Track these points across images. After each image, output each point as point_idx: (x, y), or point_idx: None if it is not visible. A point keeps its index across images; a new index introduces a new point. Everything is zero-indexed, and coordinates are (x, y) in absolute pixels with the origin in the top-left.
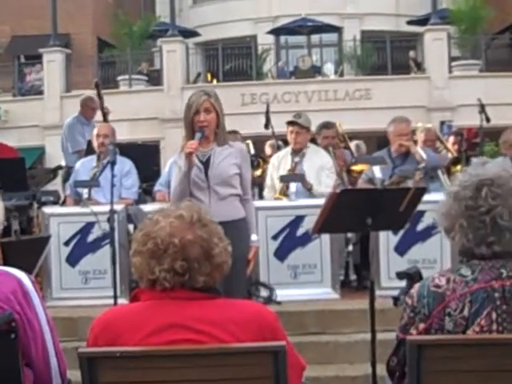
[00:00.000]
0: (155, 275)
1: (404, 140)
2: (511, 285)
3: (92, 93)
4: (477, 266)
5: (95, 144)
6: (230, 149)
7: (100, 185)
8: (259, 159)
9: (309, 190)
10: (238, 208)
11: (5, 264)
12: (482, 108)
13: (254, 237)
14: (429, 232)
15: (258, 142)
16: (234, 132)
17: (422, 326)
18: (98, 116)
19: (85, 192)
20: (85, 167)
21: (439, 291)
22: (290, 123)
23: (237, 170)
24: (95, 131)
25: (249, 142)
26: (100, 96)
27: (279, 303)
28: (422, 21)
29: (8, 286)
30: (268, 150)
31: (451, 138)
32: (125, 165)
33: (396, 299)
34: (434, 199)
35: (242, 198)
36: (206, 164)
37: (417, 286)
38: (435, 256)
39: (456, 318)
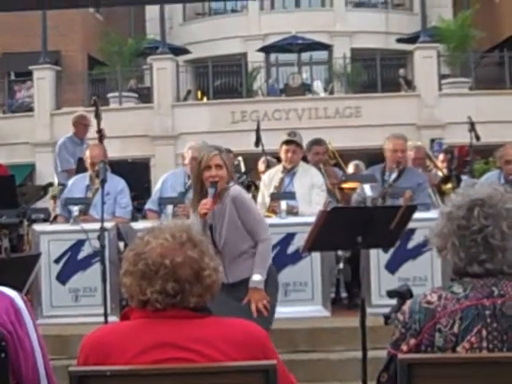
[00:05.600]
0: (146, 296)
1: (400, 156)
2: (502, 303)
3: (83, 110)
4: (469, 284)
5: (88, 165)
6: (224, 205)
7: (92, 202)
8: (251, 183)
9: (295, 214)
10: (250, 267)
11: None
12: (472, 126)
13: (255, 277)
14: (419, 250)
15: (249, 159)
16: (228, 151)
17: (412, 341)
18: (91, 133)
19: (75, 210)
20: (77, 185)
21: (430, 307)
22: (286, 142)
23: (239, 224)
24: (87, 153)
25: (240, 158)
26: (98, 114)
27: None
28: (412, 39)
29: (0, 306)
30: (261, 167)
31: (441, 156)
32: (118, 183)
33: (387, 317)
34: (425, 217)
35: (255, 239)
36: (210, 228)
37: (409, 302)
38: (426, 274)
39: (446, 334)
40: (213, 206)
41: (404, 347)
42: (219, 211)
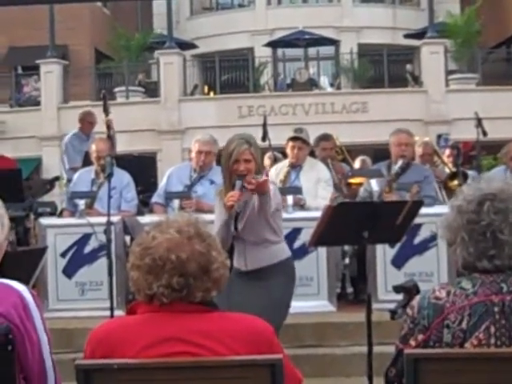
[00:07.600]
0: (153, 290)
1: (404, 149)
2: (511, 300)
3: (90, 104)
4: (477, 280)
5: (94, 159)
6: (253, 196)
7: (96, 196)
8: None
9: (301, 206)
10: (272, 253)
11: (1, 275)
12: (479, 122)
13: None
14: (426, 245)
15: None
16: None
17: (420, 337)
18: (98, 127)
19: (81, 203)
20: (82, 179)
21: (439, 303)
22: (292, 139)
23: (261, 213)
24: (93, 147)
25: None
26: (106, 108)
27: None
28: (419, 34)
29: (9, 300)
30: (266, 162)
31: (447, 151)
32: (123, 177)
33: (393, 312)
34: (431, 212)
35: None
36: (236, 215)
37: (418, 297)
38: (432, 269)
39: (454, 330)
40: (239, 198)
41: (412, 342)
42: (247, 201)
